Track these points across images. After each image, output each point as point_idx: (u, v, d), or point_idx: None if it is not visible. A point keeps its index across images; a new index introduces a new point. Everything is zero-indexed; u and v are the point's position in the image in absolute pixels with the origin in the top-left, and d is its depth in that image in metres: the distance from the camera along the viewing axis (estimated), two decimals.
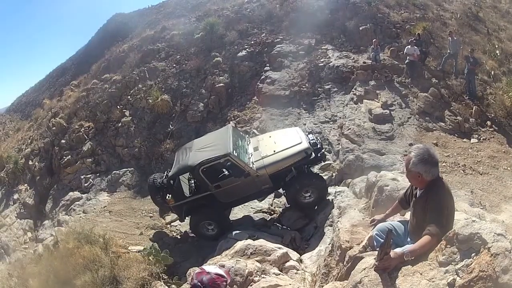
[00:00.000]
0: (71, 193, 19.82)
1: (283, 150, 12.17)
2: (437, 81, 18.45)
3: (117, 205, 17.77)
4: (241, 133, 14.88)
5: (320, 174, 14.55)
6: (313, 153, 12.17)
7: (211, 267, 5.24)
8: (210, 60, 22.80)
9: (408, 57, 18.46)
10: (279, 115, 18.24)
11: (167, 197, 12.59)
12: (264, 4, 26.41)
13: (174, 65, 23.57)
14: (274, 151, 12.27)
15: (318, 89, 18.95)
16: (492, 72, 19.28)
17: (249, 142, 13.57)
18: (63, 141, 22.75)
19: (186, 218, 13.06)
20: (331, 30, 22.35)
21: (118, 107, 22.77)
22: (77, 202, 19.05)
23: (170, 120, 20.88)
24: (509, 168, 13.92)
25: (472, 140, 16.01)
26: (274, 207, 14.89)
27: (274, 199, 15.35)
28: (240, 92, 21.03)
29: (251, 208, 14.67)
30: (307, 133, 13.42)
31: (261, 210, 14.70)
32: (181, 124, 20.50)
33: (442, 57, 19.23)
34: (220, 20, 25.49)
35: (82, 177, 20.51)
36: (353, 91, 17.88)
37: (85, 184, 20.09)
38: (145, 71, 23.67)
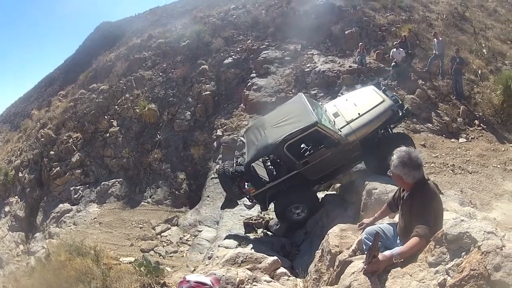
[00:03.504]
0: (61, 205, 19.89)
1: (368, 111, 11.15)
2: (423, 82, 18.44)
3: (107, 216, 17.80)
4: (314, 100, 13.48)
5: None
6: (399, 110, 11.27)
7: (193, 276, 5.15)
8: (197, 68, 22.81)
9: (394, 60, 18.40)
10: None
11: (245, 186, 11.58)
12: (250, 11, 26.46)
13: (160, 73, 23.58)
14: (359, 113, 11.19)
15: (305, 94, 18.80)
16: (479, 71, 19.27)
17: (326, 110, 12.31)
18: (52, 152, 22.77)
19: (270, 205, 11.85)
20: (316, 35, 22.31)
21: (106, 117, 22.80)
22: (67, 214, 19.12)
23: (158, 129, 20.89)
24: (499, 166, 13.81)
25: (461, 140, 15.99)
26: (264, 215, 14.81)
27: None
28: (226, 99, 21.02)
29: (241, 216, 14.56)
30: (383, 90, 12.26)
31: (250, 218, 14.61)
32: (169, 133, 20.50)
33: (428, 59, 19.18)
34: (206, 28, 25.51)
35: (71, 188, 20.59)
36: (339, 95, 17.67)
37: (75, 196, 20.15)
38: (132, 80, 23.67)
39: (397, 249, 4.10)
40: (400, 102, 11.73)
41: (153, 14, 37.27)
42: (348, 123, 11.16)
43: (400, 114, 11.33)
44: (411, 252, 3.94)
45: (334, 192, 13.01)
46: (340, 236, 6.01)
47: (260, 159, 12.05)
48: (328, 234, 6.26)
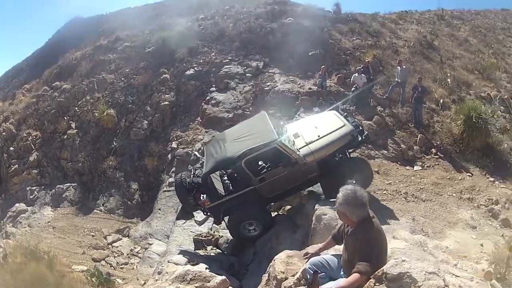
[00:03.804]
0: (17, 205, 19.80)
1: (328, 134, 11.37)
2: (382, 109, 18.53)
3: (61, 221, 17.67)
4: (275, 120, 13.78)
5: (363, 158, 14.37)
6: (358, 135, 11.46)
7: None
8: (158, 76, 22.65)
9: (354, 85, 18.43)
10: None
11: (201, 197, 11.52)
12: (218, 22, 26.42)
13: (122, 78, 23.39)
14: (319, 136, 11.40)
15: None
16: (441, 100, 19.46)
17: (287, 130, 12.37)
18: (11, 148, 22.62)
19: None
20: (280, 54, 22.28)
21: (65, 118, 22.63)
22: (22, 215, 19.04)
23: (114, 136, 20.71)
24: (454, 194, 13.87)
25: (416, 168, 15.99)
26: (214, 232, 14.71)
27: (213, 223, 15.18)
28: (184, 111, 20.84)
29: (191, 232, 14.43)
30: (345, 115, 12.49)
31: (200, 234, 14.50)
32: (125, 141, 20.34)
33: (390, 86, 19.27)
34: (172, 35, 25.23)
35: (28, 188, 20.48)
36: (296, 117, 17.64)
37: (31, 196, 20.07)
38: (94, 82, 23.48)
39: (336, 284, 4.21)
40: (361, 128, 11.99)
41: (123, 14, 36.66)
42: (307, 144, 11.35)
43: (360, 139, 11.51)
44: None
45: (284, 214, 12.95)
46: (286, 263, 6.13)
47: (218, 173, 12.07)
48: (274, 260, 6.36)
